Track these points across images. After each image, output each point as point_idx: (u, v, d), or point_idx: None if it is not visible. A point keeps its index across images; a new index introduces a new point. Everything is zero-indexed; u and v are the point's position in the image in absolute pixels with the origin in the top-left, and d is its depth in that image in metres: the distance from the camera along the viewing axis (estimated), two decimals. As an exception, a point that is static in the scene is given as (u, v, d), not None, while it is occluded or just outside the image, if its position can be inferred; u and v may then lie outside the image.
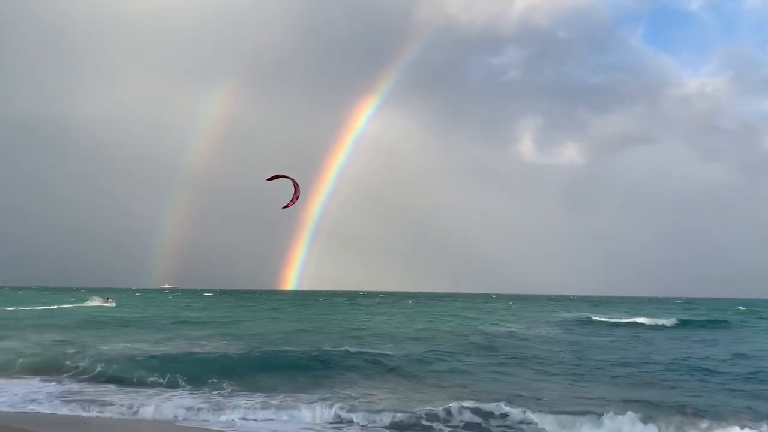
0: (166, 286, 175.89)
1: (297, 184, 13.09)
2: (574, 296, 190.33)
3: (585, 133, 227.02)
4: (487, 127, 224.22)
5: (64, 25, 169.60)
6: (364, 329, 31.71)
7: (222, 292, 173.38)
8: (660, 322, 39.65)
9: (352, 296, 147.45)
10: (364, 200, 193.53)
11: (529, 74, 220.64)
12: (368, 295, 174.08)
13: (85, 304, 60.77)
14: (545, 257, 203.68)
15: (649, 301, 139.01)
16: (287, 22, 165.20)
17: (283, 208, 13.64)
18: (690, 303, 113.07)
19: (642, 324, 38.38)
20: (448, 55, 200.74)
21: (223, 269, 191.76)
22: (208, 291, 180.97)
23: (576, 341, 27.76)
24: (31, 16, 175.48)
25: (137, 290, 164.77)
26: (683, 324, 39.30)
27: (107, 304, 61.27)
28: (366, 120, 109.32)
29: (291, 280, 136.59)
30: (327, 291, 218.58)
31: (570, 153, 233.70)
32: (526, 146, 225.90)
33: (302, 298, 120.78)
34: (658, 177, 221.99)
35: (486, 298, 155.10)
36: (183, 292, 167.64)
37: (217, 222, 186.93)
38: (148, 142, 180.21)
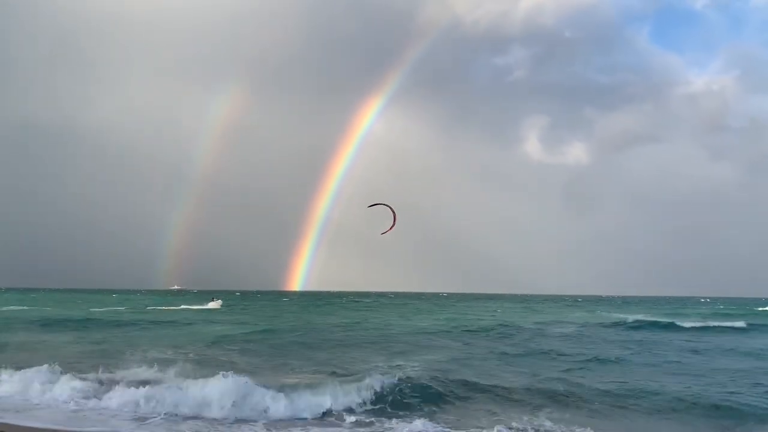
0: (175, 287, 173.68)
1: (395, 212, 14.68)
2: (584, 296, 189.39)
3: (592, 133, 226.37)
4: (492, 127, 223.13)
5: (72, 26, 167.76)
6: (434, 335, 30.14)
7: (230, 293, 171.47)
8: (732, 324, 38.14)
9: (361, 296, 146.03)
10: (369, 200, 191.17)
11: (535, 74, 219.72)
12: (379, 295, 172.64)
13: (204, 307, 64.67)
14: (551, 257, 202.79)
15: (667, 301, 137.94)
16: (291, 22, 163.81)
17: (382, 234, 15.10)
18: (714, 303, 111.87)
19: (716, 327, 36.83)
20: (454, 55, 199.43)
21: (230, 270, 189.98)
22: (217, 292, 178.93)
23: (676, 344, 26.23)
24: (39, 18, 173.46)
25: (145, 291, 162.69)
26: (757, 328, 37.77)
27: (213, 305, 66.27)
28: (371, 120, 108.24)
29: (297, 281, 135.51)
30: (335, 292, 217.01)
31: (576, 153, 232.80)
32: (532, 146, 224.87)
33: (324, 299, 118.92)
34: (665, 176, 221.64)
35: (495, 298, 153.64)
36: (193, 293, 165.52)
37: (223, 223, 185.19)
38: (155, 143, 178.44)
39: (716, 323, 39.72)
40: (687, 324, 38.14)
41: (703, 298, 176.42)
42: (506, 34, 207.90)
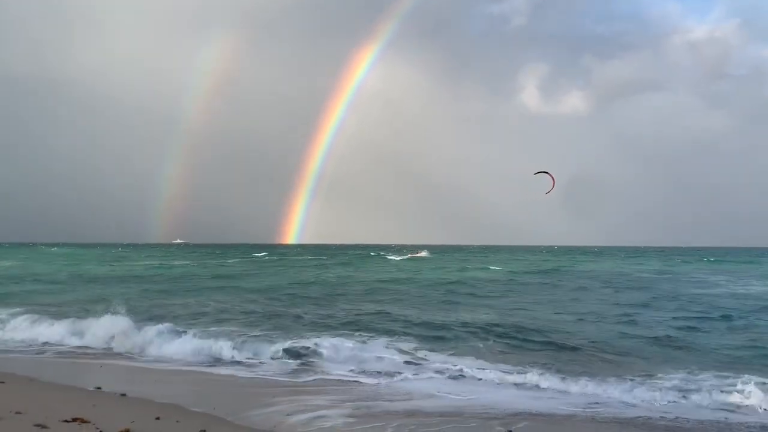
0: (178, 240, 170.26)
1: (552, 176, 17.03)
2: (585, 247, 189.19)
3: (590, 82, 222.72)
4: (490, 77, 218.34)
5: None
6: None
7: (231, 247, 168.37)
8: None
9: (366, 249, 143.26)
10: (364, 152, 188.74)
11: (533, 22, 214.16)
12: (379, 247, 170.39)
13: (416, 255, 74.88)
14: (551, 208, 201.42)
15: (672, 252, 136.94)
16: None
17: (546, 193, 17.10)
18: (729, 253, 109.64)
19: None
20: (451, 2, 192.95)
21: (227, 225, 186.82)
22: (218, 246, 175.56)
23: None
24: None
25: (150, 245, 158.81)
26: None
27: (421, 255, 75.25)
28: (365, 71, 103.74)
29: (292, 234, 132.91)
30: (333, 245, 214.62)
31: (574, 101, 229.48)
32: (531, 95, 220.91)
33: (329, 253, 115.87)
34: (664, 124, 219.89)
35: (504, 250, 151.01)
36: (194, 247, 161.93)
37: (217, 178, 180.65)
38: (147, 97, 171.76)
39: None
40: None
41: (707, 249, 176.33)
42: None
